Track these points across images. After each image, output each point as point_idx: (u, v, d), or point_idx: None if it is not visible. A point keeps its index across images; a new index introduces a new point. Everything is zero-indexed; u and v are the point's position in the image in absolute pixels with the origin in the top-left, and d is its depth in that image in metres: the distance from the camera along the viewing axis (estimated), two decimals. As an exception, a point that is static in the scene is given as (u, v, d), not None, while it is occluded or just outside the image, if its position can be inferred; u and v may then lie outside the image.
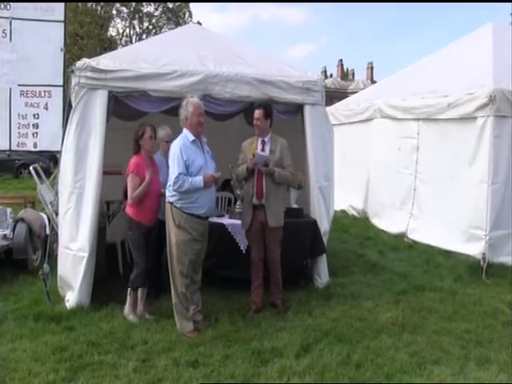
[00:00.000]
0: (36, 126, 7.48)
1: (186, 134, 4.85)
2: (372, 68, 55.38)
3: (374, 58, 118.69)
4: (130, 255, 6.39)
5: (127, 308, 5.18)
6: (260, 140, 5.46)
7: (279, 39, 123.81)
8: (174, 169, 4.71)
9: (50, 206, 6.96)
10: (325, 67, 56.53)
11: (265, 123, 5.41)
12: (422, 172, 8.49)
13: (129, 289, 5.20)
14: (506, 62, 7.82)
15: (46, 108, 7.53)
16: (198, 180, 4.72)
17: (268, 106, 5.49)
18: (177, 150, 4.74)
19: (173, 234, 4.82)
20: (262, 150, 5.41)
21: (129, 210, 5.18)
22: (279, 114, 5.95)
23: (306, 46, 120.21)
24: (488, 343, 4.75)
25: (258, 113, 5.37)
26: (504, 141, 7.06)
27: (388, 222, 9.34)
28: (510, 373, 4.17)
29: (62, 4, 7.60)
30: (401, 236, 8.83)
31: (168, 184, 4.81)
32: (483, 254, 6.96)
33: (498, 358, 4.42)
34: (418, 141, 8.57)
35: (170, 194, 4.83)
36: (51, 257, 5.93)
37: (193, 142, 4.82)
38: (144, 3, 35.99)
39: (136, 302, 5.18)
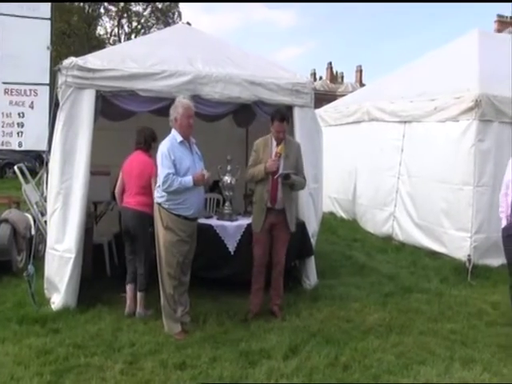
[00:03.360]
0: (21, 124, 7.42)
1: (174, 135, 4.82)
2: (361, 71, 55.83)
3: (363, 62, 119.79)
4: (117, 256, 6.38)
5: (142, 308, 5.25)
6: (275, 144, 5.27)
7: (269, 41, 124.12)
8: (163, 169, 4.67)
9: (35, 207, 6.90)
10: (314, 70, 56.84)
11: (287, 133, 5.34)
12: (406, 174, 8.54)
13: (140, 293, 5.28)
14: (491, 68, 7.97)
15: (32, 107, 7.48)
16: (188, 179, 4.68)
17: (287, 115, 5.42)
18: (164, 150, 4.71)
19: (161, 235, 4.79)
20: (276, 154, 5.20)
21: (149, 208, 5.11)
22: (268, 116, 5.94)
23: (296, 48, 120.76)
24: (472, 343, 4.81)
25: (282, 126, 5.17)
26: (488, 144, 7.15)
27: (374, 223, 9.40)
28: (493, 372, 4.24)
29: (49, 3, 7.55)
30: (388, 238, 8.89)
31: (157, 185, 4.78)
32: (468, 255, 7.04)
33: (481, 357, 4.49)
34: (402, 143, 8.63)
35: (158, 195, 4.80)
36: (36, 258, 5.88)
37: (181, 142, 4.80)
38: (132, 2, 35.82)
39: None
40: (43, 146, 6.33)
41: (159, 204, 4.79)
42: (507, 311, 5.44)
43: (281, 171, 5.14)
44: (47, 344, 4.48)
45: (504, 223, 5.24)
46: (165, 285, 4.82)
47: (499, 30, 30.06)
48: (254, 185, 5.48)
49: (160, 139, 4.87)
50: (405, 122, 8.61)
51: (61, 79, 5.38)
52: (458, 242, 7.31)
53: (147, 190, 5.21)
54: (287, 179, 5.15)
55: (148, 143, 5.43)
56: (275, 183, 5.19)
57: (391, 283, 6.61)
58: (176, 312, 4.88)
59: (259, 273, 5.33)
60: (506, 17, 34.28)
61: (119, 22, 37.09)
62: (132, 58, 5.71)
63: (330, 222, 10.17)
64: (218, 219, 6.11)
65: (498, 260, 6.83)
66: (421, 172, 8.15)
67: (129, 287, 5.39)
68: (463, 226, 7.23)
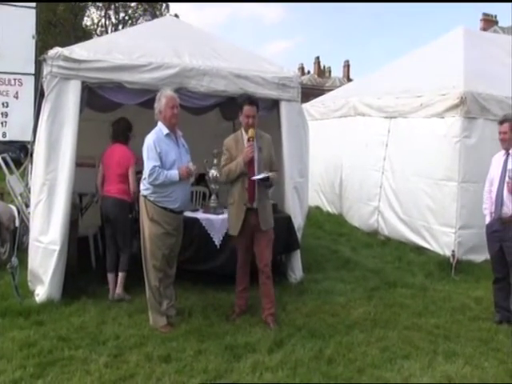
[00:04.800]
0: (5, 114, 7.32)
1: (161, 128, 4.79)
2: (349, 66, 55.92)
3: (350, 57, 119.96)
4: (103, 248, 6.35)
5: (121, 289, 5.43)
6: (246, 138, 4.99)
7: (257, 36, 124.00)
8: (149, 161, 4.65)
9: (19, 198, 6.83)
10: (302, 64, 56.79)
11: (257, 119, 5.00)
12: (389, 169, 8.59)
13: (121, 273, 5.46)
14: (476, 65, 8.06)
15: (17, 97, 7.37)
16: (174, 173, 4.67)
17: (257, 100, 5.11)
18: (150, 142, 4.68)
19: (146, 228, 4.77)
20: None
21: (127, 196, 5.48)
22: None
23: (284, 42, 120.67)
24: (455, 337, 4.88)
25: (252, 109, 4.93)
26: (473, 141, 7.21)
27: (359, 218, 9.44)
28: (475, 365, 4.31)
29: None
30: (374, 232, 8.94)
31: (143, 177, 4.76)
32: (453, 251, 7.11)
33: (464, 351, 4.56)
34: (387, 138, 8.67)
35: (144, 188, 4.77)
36: (20, 250, 5.83)
37: (167, 135, 4.76)
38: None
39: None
40: (28, 137, 6.24)
41: (145, 196, 4.76)
42: (489, 306, 5.54)
43: (256, 167, 4.89)
44: (31, 337, 4.45)
45: (488, 220, 5.31)
46: (150, 277, 4.80)
47: (485, 29, 30.35)
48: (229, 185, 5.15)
49: (146, 132, 4.84)
50: (390, 117, 8.65)
51: (46, 69, 5.31)
52: (442, 237, 7.39)
53: (126, 179, 5.48)
54: (266, 181, 4.90)
55: (125, 135, 5.63)
56: (252, 182, 4.91)
57: (376, 278, 6.66)
58: (161, 305, 4.88)
59: (244, 273, 5.18)
60: (492, 15, 34.64)
61: (106, 12, 36.69)
62: (118, 49, 5.66)
63: (316, 216, 10.21)
64: (204, 212, 6.10)
65: (481, 256, 6.91)
66: (405, 167, 8.20)
67: (110, 276, 5.53)
68: (447, 222, 7.29)
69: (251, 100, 5.02)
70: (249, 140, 4.94)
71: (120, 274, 5.46)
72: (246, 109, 4.94)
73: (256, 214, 4.96)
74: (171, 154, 4.74)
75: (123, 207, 5.50)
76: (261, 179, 4.87)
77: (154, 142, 4.68)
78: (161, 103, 4.77)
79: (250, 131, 4.94)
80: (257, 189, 4.96)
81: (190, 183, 5.02)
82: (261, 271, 5.04)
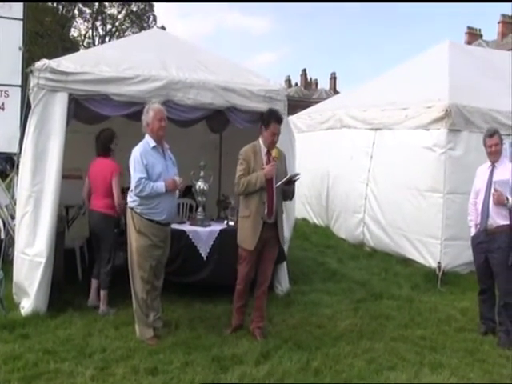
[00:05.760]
0: (-9, 126, 7.27)
1: (148, 140, 4.80)
2: (335, 78, 56.40)
3: (337, 69, 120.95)
4: (89, 261, 6.32)
5: (105, 306, 5.43)
6: (265, 151, 4.93)
7: (243, 48, 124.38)
8: (135, 173, 4.65)
9: (5, 210, 6.79)
10: (289, 76, 57.26)
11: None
12: (373, 180, 8.65)
13: (102, 291, 5.47)
14: (461, 78, 8.17)
15: (3, 108, 7.36)
16: (160, 185, 4.68)
17: (282, 117, 5.08)
18: (137, 155, 4.69)
19: (133, 240, 4.77)
20: (268, 161, 4.89)
21: (113, 210, 5.48)
22: (244, 123, 5.97)
23: (270, 54, 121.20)
24: (441, 349, 4.90)
25: (278, 128, 4.89)
26: (458, 153, 7.30)
27: (346, 229, 9.48)
28: (460, 376, 4.34)
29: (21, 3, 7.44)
30: (360, 244, 8.98)
31: (130, 189, 4.76)
32: (438, 262, 7.16)
33: (449, 362, 4.59)
34: (372, 150, 8.74)
35: (130, 200, 4.78)
36: (5, 262, 5.78)
37: (153, 148, 4.78)
38: (107, 4, 35.47)
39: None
40: (14, 149, 6.22)
41: (132, 208, 4.76)
42: (475, 317, 5.58)
43: (274, 179, 4.83)
44: (16, 350, 4.40)
45: (473, 231, 5.36)
46: (137, 289, 4.79)
47: (469, 42, 30.85)
48: (237, 197, 5.11)
49: (133, 144, 4.85)
50: (375, 129, 8.73)
51: (33, 81, 5.32)
52: (428, 249, 7.44)
53: (111, 193, 5.51)
54: (290, 184, 4.86)
55: (106, 148, 5.64)
56: (272, 194, 4.84)
57: (363, 290, 6.68)
58: (148, 317, 4.85)
59: (244, 292, 5.02)
60: (476, 29, 35.26)
61: (93, 24, 36.72)
62: (106, 61, 5.67)
63: (302, 228, 10.23)
64: (190, 225, 6.11)
65: (467, 267, 6.99)
66: (390, 179, 8.25)
67: (93, 281, 5.62)
68: (433, 234, 7.35)
69: (278, 117, 4.94)
70: (273, 159, 4.86)
71: (102, 293, 5.46)
72: (274, 126, 4.87)
73: (271, 229, 4.91)
74: (157, 167, 4.75)
75: (109, 222, 5.53)
76: (286, 182, 4.82)
77: (141, 154, 4.69)
78: (148, 116, 4.79)
79: (275, 151, 4.89)
80: (275, 203, 4.90)
81: (176, 195, 5.03)
82: (259, 285, 5.01)
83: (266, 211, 4.83)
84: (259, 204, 4.83)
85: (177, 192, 5.01)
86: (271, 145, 4.92)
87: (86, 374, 4.05)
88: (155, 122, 4.77)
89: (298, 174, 4.94)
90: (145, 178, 4.64)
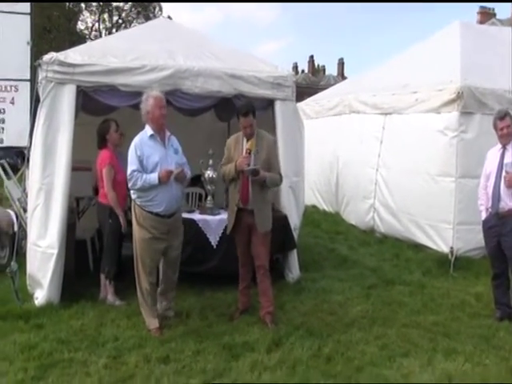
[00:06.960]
0: (2, 121, 7.31)
1: (146, 129, 4.74)
2: (343, 64, 55.94)
3: (344, 55, 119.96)
4: (100, 252, 6.35)
5: (111, 296, 5.43)
6: (245, 142, 5.01)
7: (250, 36, 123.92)
8: (129, 166, 4.62)
9: (17, 203, 6.83)
10: (296, 63, 56.87)
11: (255, 127, 5.00)
12: (383, 166, 8.55)
13: (105, 279, 5.48)
14: (472, 59, 7.97)
15: (13, 103, 7.37)
16: (153, 177, 4.58)
17: (252, 107, 5.03)
18: (132, 146, 4.65)
19: (136, 232, 4.77)
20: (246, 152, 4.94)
21: (107, 200, 5.40)
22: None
23: (277, 42, 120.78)
24: (455, 335, 4.84)
25: (247, 120, 4.91)
26: (470, 136, 7.18)
27: (356, 215, 9.43)
28: (475, 362, 4.28)
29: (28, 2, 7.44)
30: (370, 230, 8.94)
31: None
32: (451, 247, 7.10)
33: (464, 349, 4.52)
34: (382, 135, 8.65)
35: (132, 192, 4.78)
36: (19, 254, 5.84)
37: (151, 136, 4.69)
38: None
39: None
40: (25, 142, 6.26)
41: (134, 200, 4.78)
42: (490, 303, 5.50)
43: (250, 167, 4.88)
44: (31, 339, 4.47)
45: (484, 216, 5.29)
46: (140, 280, 4.81)
47: (482, 22, 30.23)
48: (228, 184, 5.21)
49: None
50: (385, 113, 8.63)
51: (41, 74, 5.34)
52: (440, 233, 7.37)
53: None
54: (255, 175, 4.83)
55: (101, 140, 5.58)
56: (246, 182, 4.93)
57: (374, 276, 6.65)
58: (154, 307, 4.88)
59: (246, 271, 5.20)
60: (489, 8, 34.43)
61: (100, 16, 36.72)
62: (112, 52, 5.68)
63: (312, 215, 10.20)
64: (200, 213, 6.12)
65: (480, 252, 6.89)
66: (400, 163, 8.15)
67: (102, 275, 5.60)
68: (445, 218, 7.27)
69: (245, 111, 4.93)
70: (246, 151, 4.92)
71: (106, 282, 5.50)
72: (242, 120, 4.94)
73: (251, 215, 4.96)
74: (154, 157, 4.65)
75: (104, 211, 5.47)
76: (250, 172, 4.83)
77: (136, 145, 4.64)
78: (148, 103, 4.68)
79: (250, 143, 4.95)
80: (251, 190, 4.95)
81: (177, 186, 4.81)
82: (257, 269, 5.06)
83: (240, 199, 4.98)
84: (234, 192, 5.04)
85: (184, 182, 4.94)
86: (246, 136, 5.00)
87: (99, 362, 4.10)
88: (156, 110, 4.66)
89: (256, 167, 4.83)
90: (137, 170, 4.58)
